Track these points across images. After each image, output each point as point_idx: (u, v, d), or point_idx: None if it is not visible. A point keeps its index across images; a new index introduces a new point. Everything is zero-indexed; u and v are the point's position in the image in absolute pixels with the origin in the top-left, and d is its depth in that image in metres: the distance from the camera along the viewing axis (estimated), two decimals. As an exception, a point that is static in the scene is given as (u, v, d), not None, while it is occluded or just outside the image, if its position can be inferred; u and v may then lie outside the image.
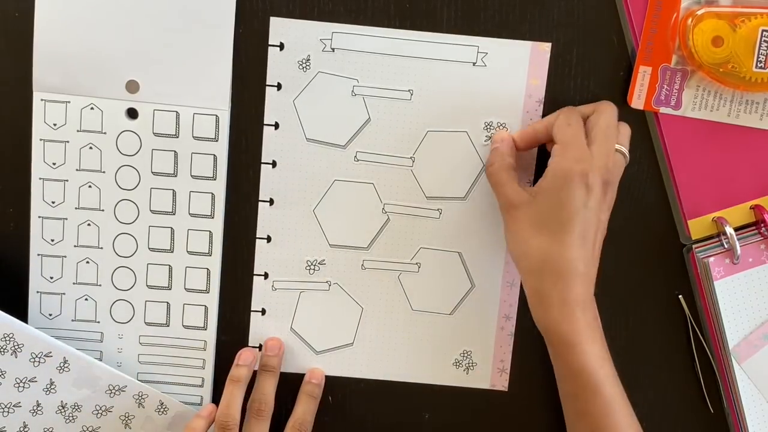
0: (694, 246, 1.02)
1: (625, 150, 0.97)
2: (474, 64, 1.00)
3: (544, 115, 1.01)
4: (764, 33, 0.95)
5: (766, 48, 0.95)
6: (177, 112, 1.00)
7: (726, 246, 1.02)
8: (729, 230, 1.01)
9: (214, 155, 1.01)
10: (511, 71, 1.00)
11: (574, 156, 0.92)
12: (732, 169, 1.01)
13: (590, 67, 1.01)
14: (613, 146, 0.95)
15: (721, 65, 0.96)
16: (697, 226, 1.02)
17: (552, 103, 1.01)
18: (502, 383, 1.06)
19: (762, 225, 1.01)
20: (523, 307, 1.05)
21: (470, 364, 1.06)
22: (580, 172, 0.91)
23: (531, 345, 1.05)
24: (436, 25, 1.00)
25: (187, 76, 0.99)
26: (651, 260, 1.04)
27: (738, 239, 1.01)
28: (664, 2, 0.97)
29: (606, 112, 0.96)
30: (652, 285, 1.05)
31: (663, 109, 1.00)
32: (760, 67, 0.96)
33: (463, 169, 1.02)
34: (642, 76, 0.99)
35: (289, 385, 1.06)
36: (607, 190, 0.94)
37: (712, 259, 1.01)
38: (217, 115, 1.00)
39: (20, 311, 0.97)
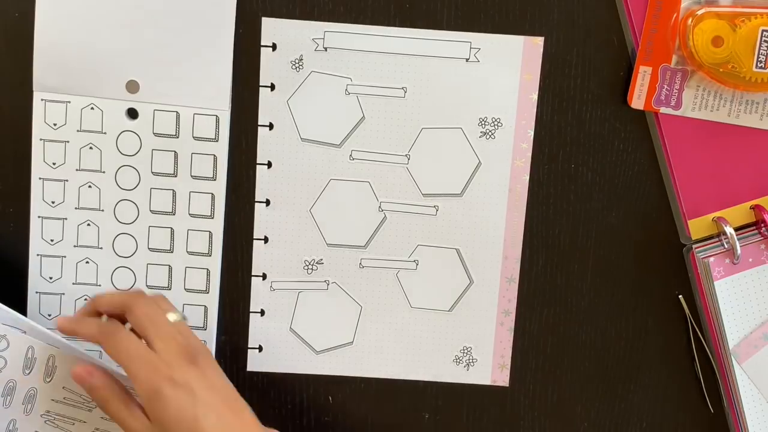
0: (694, 246, 1.02)
1: (177, 315, 0.93)
2: (467, 60, 1.00)
3: (538, 110, 1.01)
4: (764, 33, 0.95)
5: (766, 48, 0.95)
6: (177, 112, 1.00)
7: (726, 246, 1.01)
8: (729, 230, 1.00)
9: (214, 155, 1.01)
10: (504, 66, 1.01)
11: (146, 369, 0.88)
12: (732, 169, 1.01)
13: (590, 67, 1.01)
14: (167, 325, 0.91)
15: (721, 65, 0.96)
16: (697, 226, 1.02)
17: (553, 103, 1.01)
18: (503, 379, 1.06)
19: (762, 225, 1.01)
20: (522, 302, 1.05)
21: (470, 361, 1.06)
22: (166, 379, 0.87)
23: (531, 340, 1.06)
24: (436, 25, 1.00)
25: (187, 76, 1.00)
26: (651, 260, 1.04)
27: (738, 239, 1.00)
28: (664, 2, 0.97)
29: (137, 303, 0.91)
30: (652, 285, 1.05)
31: (663, 109, 0.99)
32: (760, 67, 0.95)
33: (458, 165, 1.02)
34: (642, 76, 0.99)
35: (290, 385, 1.06)
36: (198, 360, 0.90)
37: (712, 259, 1.01)
38: (217, 116, 1.00)
39: (19, 311, 0.96)
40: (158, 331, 0.89)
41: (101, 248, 1.02)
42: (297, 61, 1.00)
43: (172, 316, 0.92)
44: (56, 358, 0.95)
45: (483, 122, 1.01)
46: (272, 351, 1.05)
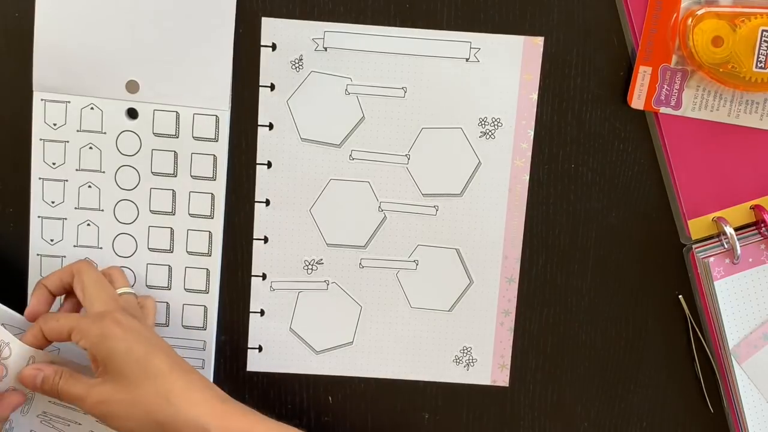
0: (694, 246, 1.02)
1: (126, 289, 0.97)
2: (467, 60, 1.00)
3: (538, 110, 1.01)
4: (764, 33, 0.95)
5: (766, 48, 0.95)
6: (177, 112, 1.00)
7: (726, 246, 1.01)
8: (729, 230, 1.00)
9: (214, 155, 1.01)
10: (504, 66, 1.00)
11: (92, 319, 0.89)
12: (732, 169, 1.01)
13: (590, 67, 1.01)
14: (113, 290, 0.95)
15: (721, 65, 0.96)
16: (697, 226, 1.02)
17: (553, 103, 1.01)
18: (503, 378, 1.06)
19: (762, 225, 1.01)
20: (522, 302, 1.05)
21: (470, 361, 1.06)
22: (112, 321, 0.89)
23: (530, 340, 1.06)
24: (436, 25, 1.00)
25: (187, 76, 1.00)
26: (651, 260, 1.04)
27: (738, 239, 1.00)
28: (664, 2, 0.97)
29: (85, 269, 0.95)
30: (652, 285, 1.05)
31: (663, 109, 0.99)
32: (760, 67, 0.95)
33: (458, 165, 1.02)
34: (642, 76, 0.99)
35: (290, 385, 1.06)
36: (137, 317, 0.94)
37: (712, 259, 1.01)
38: (217, 116, 1.00)
39: (19, 311, 0.96)
40: (101, 292, 0.93)
41: (101, 248, 1.02)
42: (297, 61, 1.00)
43: (120, 290, 0.96)
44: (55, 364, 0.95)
45: (483, 122, 1.01)
46: (272, 351, 1.05)
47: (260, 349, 1.05)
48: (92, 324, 0.89)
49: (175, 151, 1.01)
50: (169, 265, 1.03)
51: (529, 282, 1.04)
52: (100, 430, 0.97)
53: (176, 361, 0.90)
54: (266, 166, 1.02)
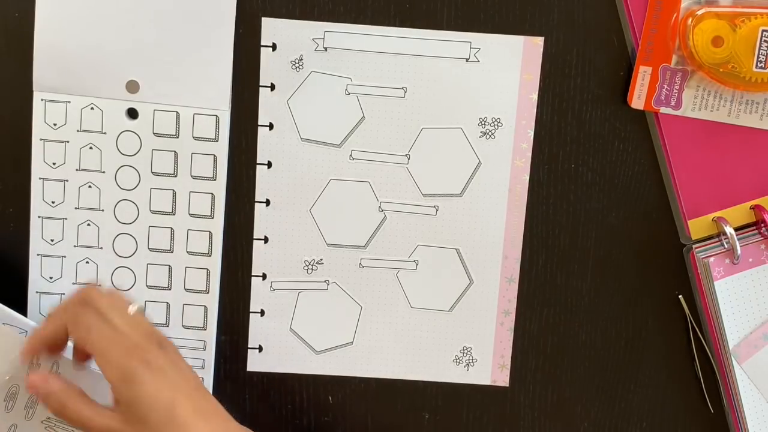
0: (694, 246, 1.02)
1: (137, 306, 0.91)
2: (467, 60, 1.00)
3: (538, 110, 1.01)
4: (764, 33, 0.95)
5: (766, 48, 0.95)
6: (177, 112, 1.00)
7: (726, 246, 1.01)
8: (729, 230, 1.00)
9: (214, 155, 1.01)
10: (504, 66, 1.00)
11: (119, 350, 0.86)
12: (732, 169, 1.01)
13: (590, 67, 1.01)
14: (130, 313, 0.90)
15: (721, 65, 0.96)
16: (697, 226, 1.02)
17: (553, 103, 1.01)
18: (503, 379, 1.06)
19: (762, 225, 1.01)
20: (522, 302, 1.05)
21: (470, 361, 1.06)
22: (141, 361, 0.85)
23: (531, 340, 1.05)
24: (436, 25, 1.00)
25: (187, 76, 1.00)
26: (651, 260, 1.04)
27: (738, 239, 1.00)
28: (664, 2, 0.97)
29: (96, 295, 0.90)
30: (652, 285, 1.04)
31: (663, 109, 0.99)
32: (760, 67, 0.95)
33: (458, 165, 1.02)
34: (642, 76, 0.99)
35: (290, 385, 1.06)
36: (165, 347, 0.89)
37: (712, 259, 1.01)
38: (217, 116, 1.00)
39: (19, 311, 0.96)
40: (123, 317, 0.88)
41: (101, 248, 1.02)
42: (297, 61, 1.00)
43: (132, 308, 0.90)
44: (59, 365, 0.95)
45: (483, 122, 1.01)
46: (272, 351, 1.05)
47: (260, 349, 1.05)
48: (120, 361, 0.85)
49: (175, 151, 1.01)
50: (169, 265, 1.03)
51: (529, 282, 1.04)
52: None
53: (198, 405, 0.86)
54: (266, 166, 1.02)
